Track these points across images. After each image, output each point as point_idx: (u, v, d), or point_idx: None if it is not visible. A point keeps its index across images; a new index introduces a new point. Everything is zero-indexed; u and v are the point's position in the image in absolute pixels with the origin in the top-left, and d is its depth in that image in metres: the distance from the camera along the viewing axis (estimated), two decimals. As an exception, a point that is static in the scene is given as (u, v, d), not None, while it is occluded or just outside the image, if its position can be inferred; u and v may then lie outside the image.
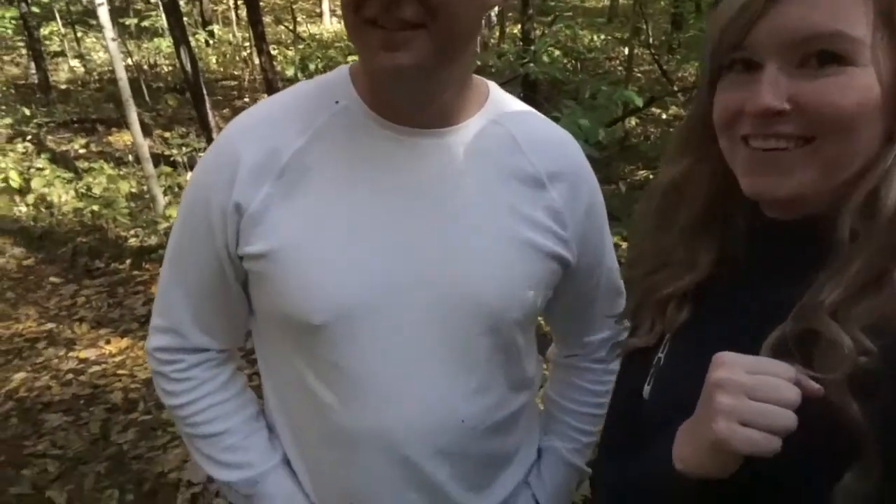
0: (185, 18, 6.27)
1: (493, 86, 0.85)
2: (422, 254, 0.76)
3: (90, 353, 3.27)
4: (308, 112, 0.78)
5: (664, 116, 7.03)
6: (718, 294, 0.66)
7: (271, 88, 7.89)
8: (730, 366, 0.52)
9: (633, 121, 6.33)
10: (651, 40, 6.83)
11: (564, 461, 0.99)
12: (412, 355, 0.78)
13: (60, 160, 6.08)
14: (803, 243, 0.59)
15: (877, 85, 0.53)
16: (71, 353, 3.28)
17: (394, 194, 0.76)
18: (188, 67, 5.74)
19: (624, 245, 4.11)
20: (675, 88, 6.33)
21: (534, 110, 0.88)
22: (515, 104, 0.86)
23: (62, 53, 10.89)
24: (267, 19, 9.22)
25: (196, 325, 0.87)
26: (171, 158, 5.82)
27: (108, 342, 3.37)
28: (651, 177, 5.25)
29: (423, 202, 0.77)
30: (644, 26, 6.69)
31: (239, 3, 9.86)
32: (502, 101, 0.84)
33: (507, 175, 0.80)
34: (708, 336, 0.65)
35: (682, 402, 0.57)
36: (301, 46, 9.75)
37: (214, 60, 10.95)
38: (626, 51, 7.50)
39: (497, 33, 9.20)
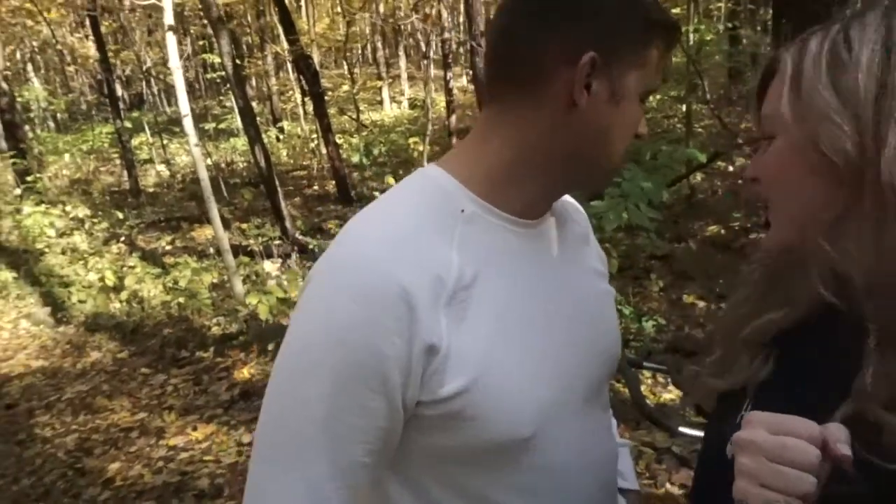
0: (257, 118, 6.75)
1: None
2: (573, 334, 0.79)
3: (178, 441, 3.38)
4: (440, 225, 0.69)
5: (730, 169, 6.88)
6: (797, 355, 0.65)
7: (338, 175, 8.30)
8: (754, 426, 0.51)
9: (698, 176, 6.23)
10: (708, 95, 6.79)
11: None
12: (586, 426, 0.82)
13: (149, 257, 6.53)
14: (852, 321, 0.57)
15: (798, 148, 0.59)
16: (161, 441, 3.40)
17: (536, 285, 0.76)
18: (262, 162, 6.15)
19: (700, 304, 3.97)
20: (739, 140, 6.22)
21: None
22: None
23: (150, 160, 11.90)
24: (331, 111, 9.80)
25: None
26: (248, 248, 6.14)
27: (194, 429, 3.48)
28: (723, 231, 5.10)
29: (554, 285, 0.78)
30: (700, 82, 6.68)
31: (306, 99, 10.56)
32: None
33: (577, 241, 0.87)
34: (785, 401, 0.63)
35: None
36: (364, 133, 10.25)
37: (285, 153, 11.66)
38: (684, 108, 7.48)
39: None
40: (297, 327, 0.67)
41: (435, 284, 0.65)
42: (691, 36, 7.77)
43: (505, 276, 0.72)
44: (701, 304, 3.95)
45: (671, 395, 3.03)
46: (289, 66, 11.49)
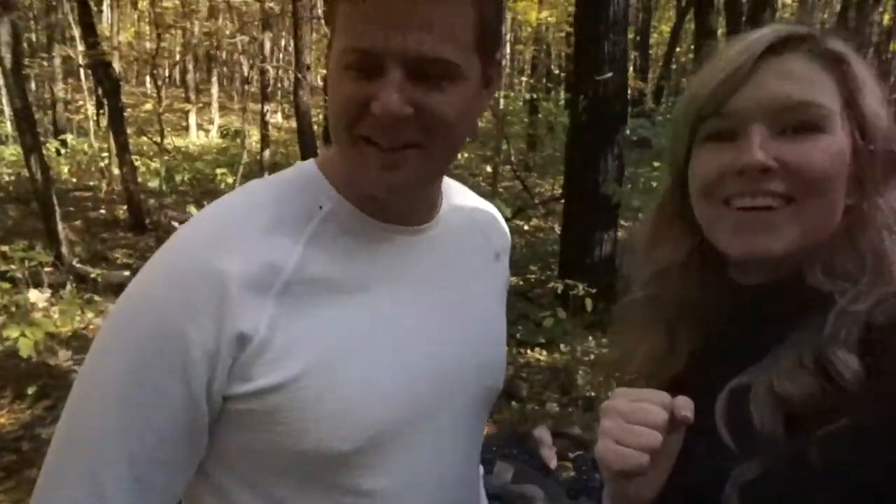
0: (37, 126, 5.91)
1: None
2: (442, 354, 0.74)
3: None
4: (292, 219, 0.68)
5: (526, 227, 7.54)
6: (699, 367, 0.69)
7: (132, 199, 7.52)
8: (617, 396, 0.59)
9: (500, 231, 6.72)
10: (512, 158, 7.45)
11: None
12: (438, 456, 0.73)
13: None
14: (771, 301, 0.64)
15: (845, 150, 0.61)
16: None
17: (404, 297, 0.72)
18: (38, 176, 5.36)
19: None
20: (537, 201, 6.87)
21: (463, 186, 0.92)
22: (459, 187, 0.88)
23: None
24: (129, 130, 8.94)
25: None
26: (9, 274, 5.23)
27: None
28: (521, 282, 5.53)
29: (430, 300, 0.74)
30: (505, 146, 7.30)
31: (101, 112, 9.52)
32: (452, 187, 0.85)
33: (480, 257, 0.84)
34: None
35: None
36: (166, 158, 9.49)
37: (66, 170, 10.31)
38: (490, 168, 8.11)
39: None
40: (113, 309, 0.65)
41: (265, 273, 0.63)
42: (501, 101, 8.53)
43: (362, 279, 0.69)
44: (503, 349, 4.20)
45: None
46: (82, 73, 10.29)
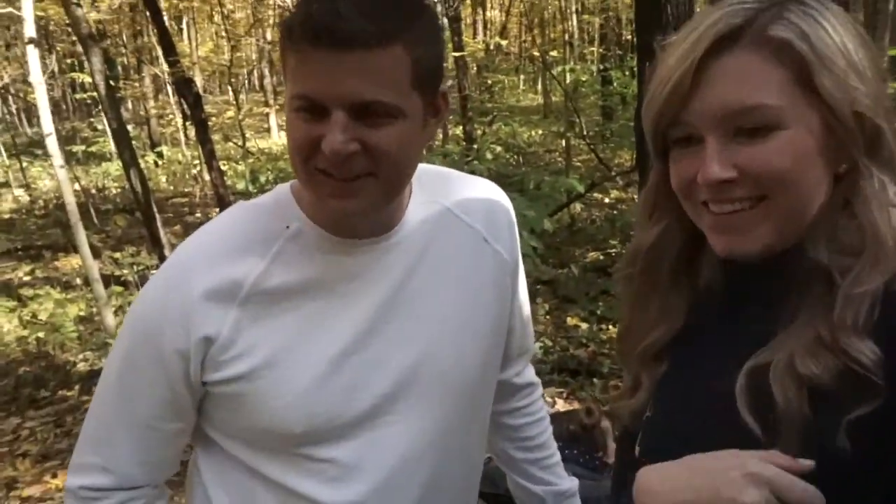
0: (133, 142, 6.36)
1: None
2: (402, 355, 0.82)
3: (34, 491, 3.03)
4: (260, 241, 0.80)
5: (606, 200, 7.36)
6: (692, 341, 0.70)
7: (223, 202, 7.93)
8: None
9: (577, 206, 6.61)
10: (585, 132, 7.27)
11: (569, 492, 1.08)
12: (403, 437, 0.83)
13: (3, 289, 5.88)
14: (773, 277, 0.63)
15: (807, 140, 0.59)
16: (13, 493, 3.03)
17: (363, 302, 0.80)
18: (138, 188, 5.77)
19: (583, 326, 4.18)
20: (613, 173, 6.69)
21: (451, 171, 0.96)
22: (435, 174, 0.92)
23: (6, 184, 10.81)
24: (215, 137, 9.44)
25: (138, 463, 0.85)
26: (122, 278, 5.70)
27: (54, 476, 3.13)
28: (601, 257, 5.43)
29: (391, 303, 0.82)
30: (577, 119, 7.14)
31: (187, 124, 10.10)
32: (425, 177, 0.88)
33: (457, 248, 0.86)
34: (688, 379, 0.69)
35: (670, 448, 0.60)
36: (250, 161, 9.95)
37: (164, 179, 11.03)
38: (564, 143, 7.94)
39: (440, 135, 9.64)
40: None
41: (229, 286, 0.78)
42: (568, 76, 8.33)
43: (320, 290, 0.79)
44: (583, 325, 4.16)
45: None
46: (169, 88, 10.96)
